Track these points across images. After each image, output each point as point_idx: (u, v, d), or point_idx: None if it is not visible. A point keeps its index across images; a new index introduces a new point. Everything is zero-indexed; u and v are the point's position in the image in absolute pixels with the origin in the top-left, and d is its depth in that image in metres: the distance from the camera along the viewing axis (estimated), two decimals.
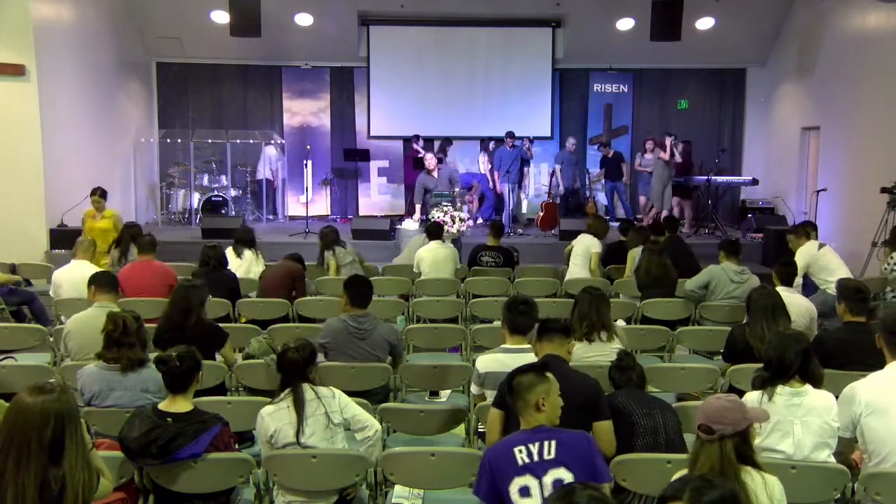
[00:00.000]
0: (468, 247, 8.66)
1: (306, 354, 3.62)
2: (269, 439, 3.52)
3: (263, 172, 13.19)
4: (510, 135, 12.22)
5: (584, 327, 4.64)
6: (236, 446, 3.62)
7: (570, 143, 12.82)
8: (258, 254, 7.57)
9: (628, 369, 3.82)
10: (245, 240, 7.54)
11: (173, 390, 3.49)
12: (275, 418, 3.51)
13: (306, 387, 3.56)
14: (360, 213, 13.53)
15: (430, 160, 11.01)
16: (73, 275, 6.31)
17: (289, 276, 6.81)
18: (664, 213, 11.42)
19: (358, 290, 4.88)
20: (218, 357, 4.94)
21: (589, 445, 2.96)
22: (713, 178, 12.18)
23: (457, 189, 10.98)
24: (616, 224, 10.13)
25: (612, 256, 7.97)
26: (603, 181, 13.08)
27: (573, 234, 9.79)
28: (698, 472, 2.62)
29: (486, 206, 12.98)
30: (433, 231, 7.79)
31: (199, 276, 6.38)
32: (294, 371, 3.58)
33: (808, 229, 7.45)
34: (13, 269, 8.07)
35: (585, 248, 7.61)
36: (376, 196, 14.00)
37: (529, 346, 4.01)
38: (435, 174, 10.96)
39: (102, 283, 5.15)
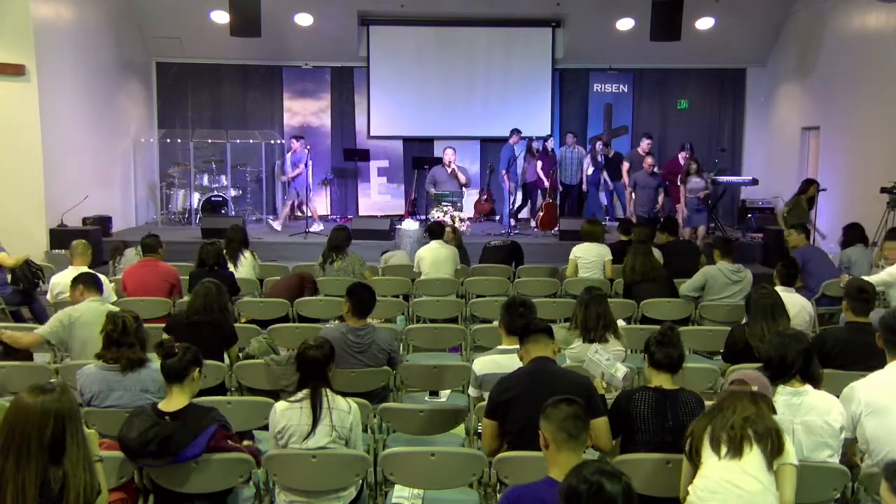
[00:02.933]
0: (469, 247, 8.68)
1: (326, 352, 3.61)
2: (277, 434, 3.53)
3: (287, 174, 12.89)
4: (516, 132, 12.18)
5: (600, 328, 4.69)
6: (236, 444, 3.61)
7: (571, 139, 12.75)
8: (254, 254, 7.44)
9: (669, 345, 3.55)
10: (240, 240, 7.32)
11: (169, 380, 3.49)
12: (286, 416, 3.52)
13: (324, 392, 3.54)
14: (360, 213, 13.54)
15: (449, 154, 11.50)
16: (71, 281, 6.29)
17: (299, 280, 6.84)
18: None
19: (359, 298, 4.77)
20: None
21: None
22: (713, 177, 12.17)
23: (463, 178, 11.19)
24: (615, 224, 10.14)
25: (615, 257, 7.96)
26: (603, 181, 13.04)
27: (573, 234, 9.81)
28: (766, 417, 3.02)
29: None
30: (434, 231, 7.78)
31: (194, 277, 6.42)
32: (314, 370, 3.56)
33: None
34: (13, 269, 8.05)
35: (599, 256, 7.48)
36: (376, 196, 13.99)
37: None
38: (448, 168, 11.20)
39: (89, 282, 5.22)
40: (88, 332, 4.83)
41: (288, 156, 12.18)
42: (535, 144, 12.51)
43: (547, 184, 12.15)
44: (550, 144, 12.59)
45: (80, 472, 2.66)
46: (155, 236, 6.83)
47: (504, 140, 12.66)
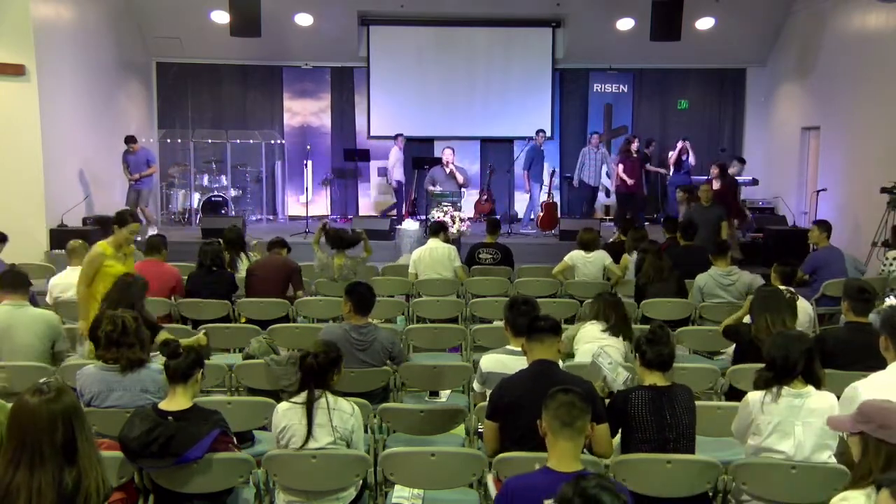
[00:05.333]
0: (466, 247, 8.66)
1: (327, 361, 3.59)
2: (279, 434, 3.54)
3: (392, 175, 12.74)
4: (541, 132, 12.39)
5: (612, 321, 4.81)
6: (235, 449, 3.62)
7: (593, 139, 12.49)
8: (248, 255, 7.33)
9: (659, 343, 3.54)
10: (236, 242, 7.19)
11: (173, 380, 3.49)
12: (287, 416, 3.54)
13: (327, 394, 3.55)
14: (360, 213, 13.53)
15: (447, 154, 11.48)
16: (70, 281, 6.27)
17: (284, 273, 6.66)
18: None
19: (361, 297, 4.79)
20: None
21: None
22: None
23: (461, 178, 11.16)
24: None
25: (612, 255, 7.93)
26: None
27: (573, 234, 9.76)
28: None
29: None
30: (435, 230, 7.75)
31: (193, 278, 6.46)
32: (311, 376, 3.58)
33: None
34: (13, 268, 8.02)
35: (597, 265, 7.42)
36: (376, 196, 14.00)
37: None
38: (447, 168, 11.22)
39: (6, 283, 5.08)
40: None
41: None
42: (633, 146, 12.12)
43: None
44: (636, 146, 12.20)
45: (94, 469, 2.65)
46: (161, 236, 6.78)
47: (504, 140, 12.69)
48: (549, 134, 12.68)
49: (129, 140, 11.15)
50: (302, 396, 3.56)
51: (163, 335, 4.74)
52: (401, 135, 12.68)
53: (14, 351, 4.83)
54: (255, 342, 5.13)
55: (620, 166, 12.08)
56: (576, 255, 7.46)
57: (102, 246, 5.53)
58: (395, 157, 12.65)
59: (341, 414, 3.54)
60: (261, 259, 6.86)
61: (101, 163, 11.51)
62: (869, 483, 2.41)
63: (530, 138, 12.76)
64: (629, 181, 11.89)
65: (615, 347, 4.67)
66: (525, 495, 2.71)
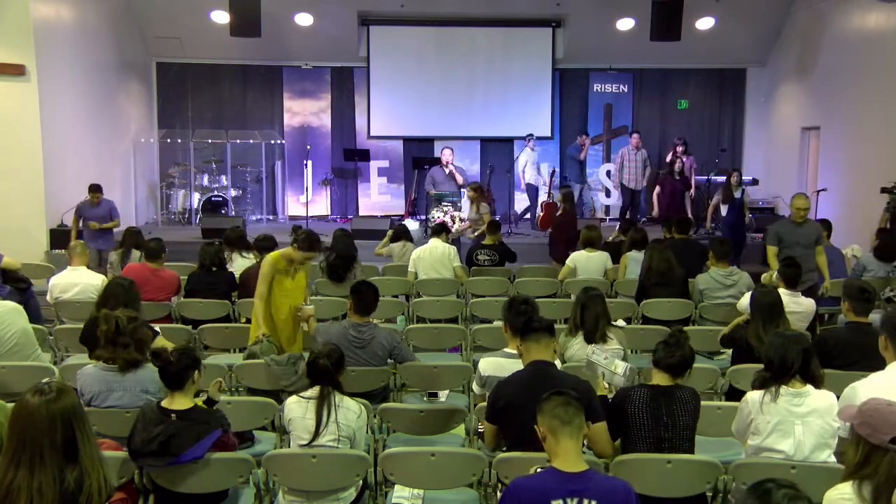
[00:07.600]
0: (466, 247, 8.66)
1: (335, 359, 3.68)
2: (287, 424, 3.61)
3: (524, 179, 12.45)
4: (585, 134, 12.50)
5: (601, 328, 4.68)
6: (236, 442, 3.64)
7: (635, 138, 12.31)
8: (242, 254, 7.28)
9: (671, 347, 3.58)
10: (237, 242, 7.23)
11: (170, 387, 3.50)
12: (293, 409, 3.61)
13: (334, 392, 3.61)
14: (360, 213, 13.54)
15: (446, 154, 11.41)
16: (70, 281, 6.28)
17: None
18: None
19: (361, 297, 4.83)
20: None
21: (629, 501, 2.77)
22: (713, 178, 12.17)
23: (461, 179, 11.15)
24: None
25: (612, 255, 7.93)
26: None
27: None
28: None
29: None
30: (437, 230, 7.76)
31: (194, 278, 6.45)
32: (323, 378, 3.64)
33: None
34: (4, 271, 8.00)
35: (600, 265, 7.37)
36: (376, 196, 13.99)
37: None
38: (446, 169, 11.22)
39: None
40: None
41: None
42: (676, 167, 11.32)
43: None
44: (678, 166, 11.41)
45: (96, 469, 2.65)
46: (158, 240, 6.68)
47: (504, 140, 12.67)
48: (549, 134, 12.67)
49: (94, 189, 8.80)
50: (310, 392, 3.62)
51: (159, 341, 4.72)
52: (531, 135, 12.40)
53: (18, 340, 4.84)
54: None
55: (658, 188, 11.56)
56: (577, 257, 7.44)
57: (275, 256, 5.21)
58: (527, 157, 12.29)
59: (346, 412, 3.58)
60: (255, 266, 6.71)
61: (101, 163, 11.50)
62: (853, 475, 2.58)
63: (528, 137, 12.73)
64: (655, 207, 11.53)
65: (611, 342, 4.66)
66: (532, 497, 2.70)
